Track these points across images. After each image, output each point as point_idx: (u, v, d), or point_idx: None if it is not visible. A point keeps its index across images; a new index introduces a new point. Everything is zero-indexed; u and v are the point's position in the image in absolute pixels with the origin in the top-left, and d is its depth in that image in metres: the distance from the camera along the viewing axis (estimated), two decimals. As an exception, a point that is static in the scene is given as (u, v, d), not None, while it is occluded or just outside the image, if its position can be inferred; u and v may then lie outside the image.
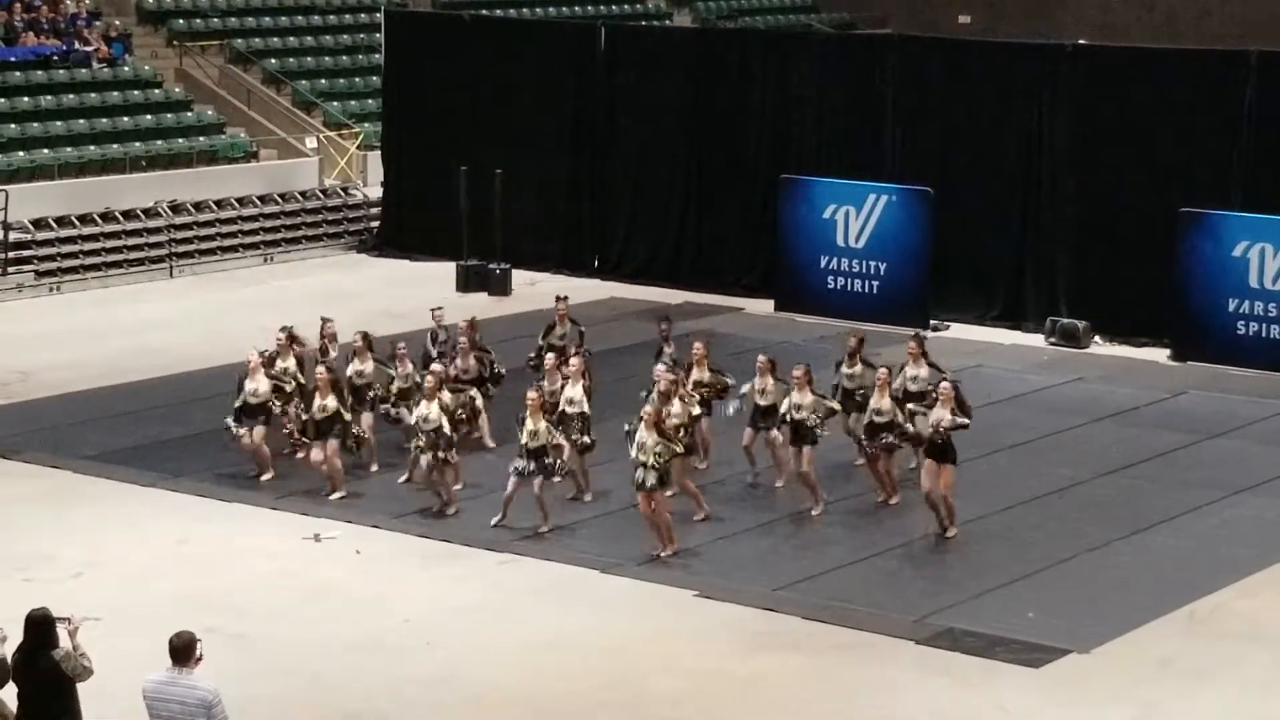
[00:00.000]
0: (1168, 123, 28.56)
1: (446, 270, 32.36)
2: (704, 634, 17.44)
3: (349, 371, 21.92)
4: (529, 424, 19.69)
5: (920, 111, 30.49)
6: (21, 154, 34.10)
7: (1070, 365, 27.49)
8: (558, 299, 24.21)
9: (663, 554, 19.19)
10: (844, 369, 21.84)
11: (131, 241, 33.05)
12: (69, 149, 34.75)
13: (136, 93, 37.20)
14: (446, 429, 20.16)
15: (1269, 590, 18.71)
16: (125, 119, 36.14)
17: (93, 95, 36.45)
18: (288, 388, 21.68)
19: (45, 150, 34.49)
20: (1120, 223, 28.92)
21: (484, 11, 42.57)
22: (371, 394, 21.87)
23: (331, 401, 20.82)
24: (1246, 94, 28.09)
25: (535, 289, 31.97)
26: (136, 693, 12.36)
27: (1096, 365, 27.52)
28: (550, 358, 21.85)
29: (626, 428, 19.57)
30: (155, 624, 15.32)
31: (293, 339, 22.39)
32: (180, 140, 36.23)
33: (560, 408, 20.58)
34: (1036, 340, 28.88)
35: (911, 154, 30.39)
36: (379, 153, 36.83)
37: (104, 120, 35.81)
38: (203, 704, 12.11)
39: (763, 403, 20.95)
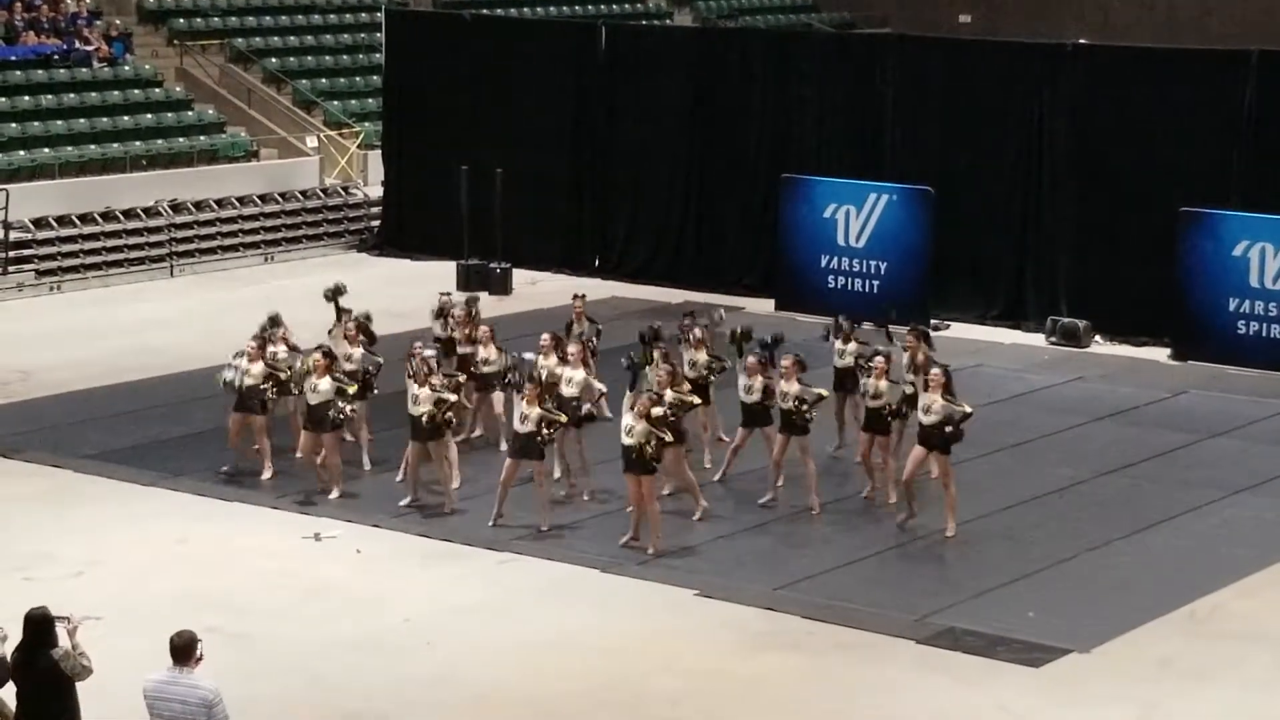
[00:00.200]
0: (1168, 122, 28.56)
1: (447, 269, 32.36)
2: (704, 633, 17.44)
3: (340, 353, 21.81)
4: (522, 408, 19.70)
5: (921, 111, 30.49)
6: (22, 153, 34.11)
7: (1071, 364, 27.49)
8: (575, 297, 24.22)
9: (649, 549, 19.20)
10: (838, 346, 21.94)
11: (132, 241, 33.05)
12: (69, 148, 34.75)
13: (137, 92, 37.20)
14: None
15: (1269, 590, 18.71)
16: (126, 118, 36.15)
17: (93, 94, 36.44)
18: (283, 375, 21.62)
19: (46, 149, 34.49)
20: (1121, 222, 28.91)
21: (484, 11, 42.56)
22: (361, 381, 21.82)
23: (326, 383, 20.79)
24: (1247, 93, 28.10)
25: (536, 288, 31.99)
26: (137, 692, 12.37)
27: (1097, 364, 27.52)
28: (546, 337, 21.77)
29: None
30: (155, 623, 15.33)
31: (275, 325, 22.26)
32: (181, 139, 36.24)
33: (560, 389, 20.58)
34: (1037, 340, 28.88)
35: (912, 153, 30.40)
36: (379, 152, 36.82)
37: (104, 119, 35.81)
38: (203, 703, 12.11)
39: (749, 400, 20.87)
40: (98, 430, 23.76)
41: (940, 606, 17.99)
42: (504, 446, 21.41)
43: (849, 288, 29.99)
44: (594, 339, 23.37)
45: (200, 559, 19.22)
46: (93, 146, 35.04)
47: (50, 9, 37.93)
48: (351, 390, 20.91)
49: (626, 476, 19.28)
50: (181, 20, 40.92)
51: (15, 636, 12.82)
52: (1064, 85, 29.39)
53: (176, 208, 33.71)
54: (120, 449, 22.92)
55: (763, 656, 16.92)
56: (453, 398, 20.61)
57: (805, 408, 20.23)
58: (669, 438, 19.25)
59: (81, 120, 35.53)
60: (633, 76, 33.28)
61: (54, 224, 32.31)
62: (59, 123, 35.22)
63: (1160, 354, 27.95)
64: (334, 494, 20.97)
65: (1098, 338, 28.66)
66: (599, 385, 21.40)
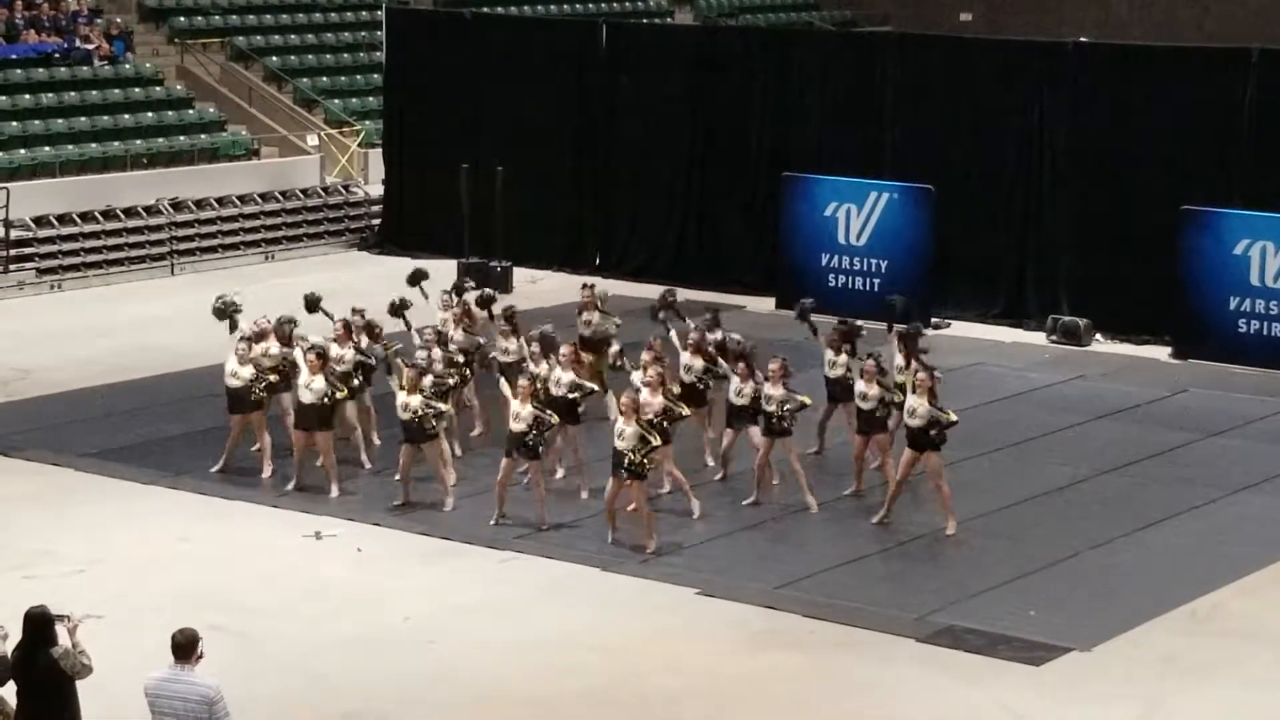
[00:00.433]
0: (1169, 120, 28.54)
1: (448, 268, 32.31)
2: (705, 632, 17.44)
3: (332, 354, 21.75)
4: (514, 406, 19.71)
5: (921, 109, 30.48)
6: (23, 151, 34.11)
7: (1071, 363, 27.49)
8: (584, 286, 24.29)
9: (647, 549, 19.22)
10: (829, 356, 21.95)
11: (133, 239, 33.05)
12: (70, 146, 34.76)
13: (138, 90, 37.20)
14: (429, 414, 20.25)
15: (1270, 588, 18.71)
16: (126, 116, 36.15)
17: (94, 93, 36.45)
18: (273, 377, 21.61)
19: (46, 148, 34.49)
20: (1121, 220, 28.90)
21: (485, 9, 42.54)
22: (357, 381, 21.83)
23: (319, 383, 20.80)
24: (1247, 91, 28.09)
25: (536, 286, 31.98)
26: (137, 690, 12.37)
27: (1098, 363, 27.52)
28: (536, 345, 21.78)
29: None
30: (156, 622, 15.35)
31: (262, 335, 22.20)
32: (181, 138, 36.24)
33: (549, 390, 20.57)
34: (1038, 338, 28.87)
35: (912, 152, 30.38)
36: (380, 150, 36.82)
37: (105, 118, 35.82)
38: (205, 701, 12.12)
39: (739, 402, 20.90)
40: (98, 429, 23.76)
41: (941, 605, 17.98)
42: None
43: (850, 286, 29.98)
44: (612, 332, 23.44)
45: (201, 557, 19.22)
46: (93, 145, 35.04)
47: (51, 7, 37.93)
48: (341, 395, 20.96)
49: (612, 479, 19.28)
50: (182, 18, 40.93)
51: (15, 635, 12.82)
52: (1065, 83, 29.37)
53: (177, 206, 33.71)
54: (121, 448, 22.92)
55: (763, 655, 16.91)
56: (444, 407, 20.66)
57: (786, 411, 20.31)
58: (657, 441, 19.29)
59: (82, 119, 35.53)
60: (634, 74, 33.27)
61: (55, 222, 32.31)
62: (60, 121, 35.23)
63: (1161, 352, 27.94)
64: (334, 492, 20.97)
65: (1098, 336, 28.65)
66: (589, 384, 21.24)
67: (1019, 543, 19.89)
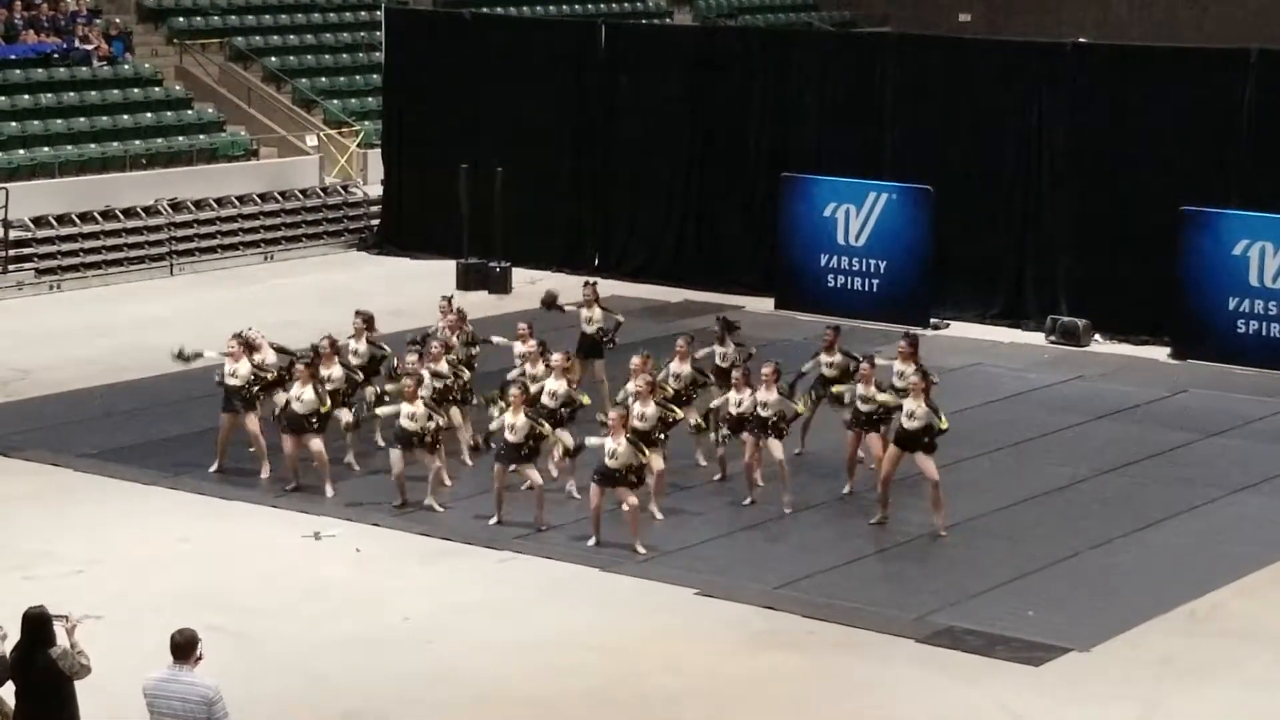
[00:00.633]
0: (1168, 121, 28.55)
1: (447, 268, 32.37)
2: (704, 632, 17.44)
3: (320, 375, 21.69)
4: (508, 417, 19.72)
5: (920, 110, 30.49)
6: (22, 152, 34.11)
7: (1070, 363, 27.49)
8: (585, 284, 24.25)
9: (640, 549, 19.23)
10: (823, 357, 21.96)
11: (132, 239, 33.04)
12: (69, 147, 34.75)
13: (137, 91, 37.20)
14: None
15: (1269, 589, 18.72)
16: (125, 117, 36.14)
17: (93, 93, 36.44)
18: (267, 377, 21.60)
19: (45, 148, 34.49)
20: (1120, 221, 28.90)
21: (484, 10, 42.53)
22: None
23: (309, 393, 20.81)
24: (1246, 92, 28.10)
25: (536, 287, 31.94)
26: (136, 691, 12.36)
27: (1097, 363, 27.52)
28: (531, 344, 21.74)
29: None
30: (155, 622, 15.35)
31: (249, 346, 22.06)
32: (180, 138, 36.24)
33: (541, 400, 20.55)
34: (1037, 338, 28.88)
35: (911, 152, 30.38)
36: (379, 151, 36.82)
37: (104, 118, 35.81)
38: (204, 701, 12.12)
39: (736, 411, 20.91)
40: (98, 429, 23.76)
41: (940, 605, 17.99)
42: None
43: (849, 286, 29.99)
44: (613, 332, 23.44)
45: (200, 558, 19.22)
46: (92, 145, 35.03)
47: (50, 7, 37.93)
48: (325, 409, 20.95)
49: (605, 489, 19.28)
50: (181, 19, 40.92)
51: (14, 635, 12.81)
52: (1063, 84, 29.38)
53: (176, 207, 33.70)
54: (120, 447, 22.92)
55: (763, 655, 16.92)
56: (441, 421, 20.66)
57: (781, 421, 20.37)
58: (648, 457, 19.33)
59: (81, 119, 35.53)
60: (633, 75, 33.27)
61: (54, 223, 32.31)
62: (59, 121, 35.22)
63: (1160, 353, 27.95)
64: (329, 492, 20.96)
65: (1097, 336, 28.66)
66: (582, 397, 21.19)
67: (1019, 543, 19.90)
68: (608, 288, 31.37)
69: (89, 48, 37.31)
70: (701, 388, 21.73)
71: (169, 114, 36.84)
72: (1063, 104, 29.34)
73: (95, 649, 12.87)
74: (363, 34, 42.12)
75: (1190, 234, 27.65)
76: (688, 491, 21.31)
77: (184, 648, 12.19)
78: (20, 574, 18.42)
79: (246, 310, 29.44)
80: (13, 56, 36.25)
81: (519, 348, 21.98)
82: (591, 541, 19.44)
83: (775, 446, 20.45)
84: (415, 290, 30.77)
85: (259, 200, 34.93)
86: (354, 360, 22.09)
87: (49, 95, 35.88)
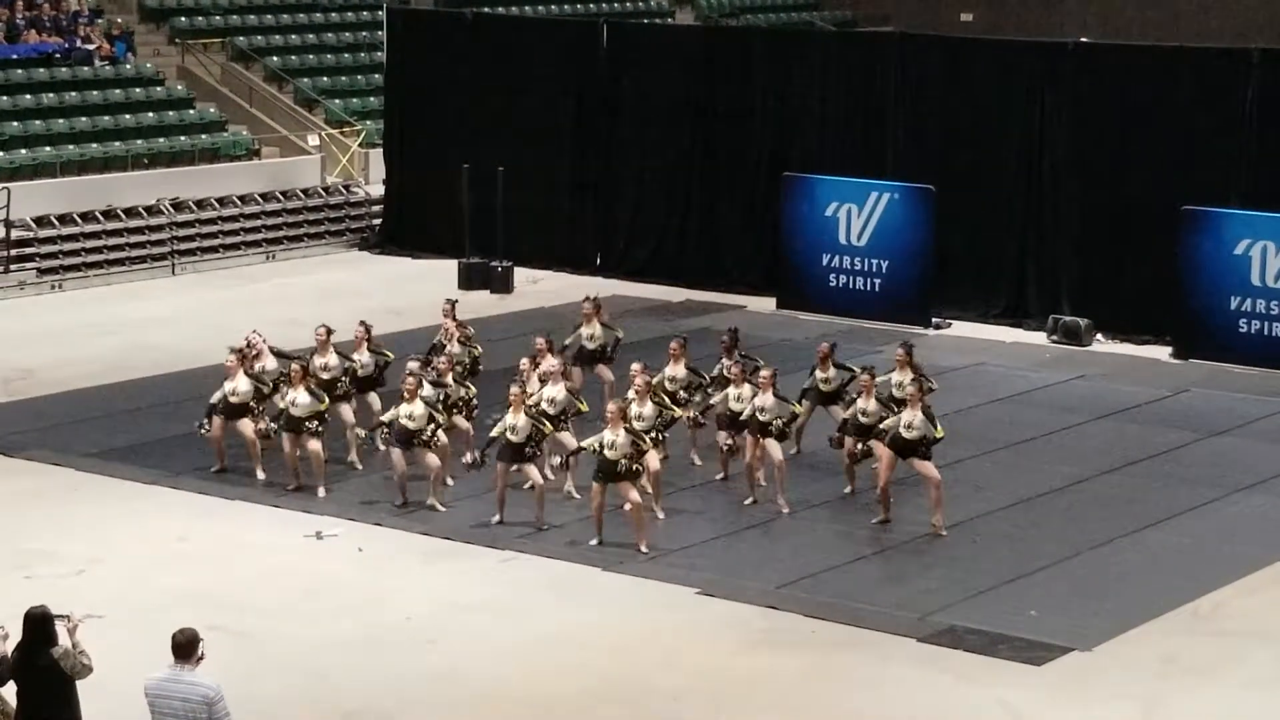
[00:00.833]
0: (1169, 120, 28.54)
1: (448, 267, 32.37)
2: (706, 631, 17.44)
3: (315, 364, 21.70)
4: (508, 419, 19.73)
5: (922, 109, 30.48)
6: (24, 151, 34.12)
7: (1072, 363, 27.48)
8: (586, 299, 23.78)
9: (643, 548, 19.24)
10: (818, 373, 21.96)
11: (134, 239, 33.04)
12: (71, 146, 34.77)
13: (138, 90, 37.21)
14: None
15: (1271, 588, 18.71)
16: (127, 116, 36.16)
17: (95, 93, 36.46)
18: (265, 389, 21.61)
19: (47, 148, 34.50)
20: (1122, 220, 28.90)
21: (486, 9, 42.54)
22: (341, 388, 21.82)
23: (304, 396, 20.81)
24: (1248, 91, 28.08)
25: (537, 286, 31.99)
26: (138, 690, 12.36)
27: (1098, 363, 27.51)
28: (524, 362, 21.66)
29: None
30: (156, 621, 15.35)
31: (243, 355, 21.90)
32: (182, 138, 36.25)
33: (540, 407, 20.51)
34: (1038, 338, 28.86)
35: (913, 152, 30.37)
36: (381, 150, 36.84)
37: (106, 118, 35.83)
38: (205, 701, 12.11)
39: (736, 408, 20.92)
40: (99, 428, 23.76)
41: (941, 605, 17.98)
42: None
43: (850, 286, 29.98)
44: (613, 348, 23.35)
45: (201, 557, 19.23)
46: (94, 145, 35.04)
47: (52, 7, 37.95)
48: (323, 407, 20.96)
49: (606, 486, 19.29)
50: (183, 19, 40.94)
51: (15, 635, 12.82)
52: (1065, 83, 29.37)
53: (178, 206, 33.71)
54: (121, 447, 22.92)
55: (764, 655, 16.92)
56: (441, 419, 20.64)
57: (781, 423, 20.43)
58: (647, 445, 19.33)
59: (83, 119, 35.54)
60: (634, 74, 33.27)
61: (56, 222, 32.31)
62: (61, 121, 35.24)
63: (1161, 352, 27.94)
64: (320, 492, 20.95)
65: (1099, 336, 28.64)
66: (581, 405, 21.15)
67: (1020, 542, 19.90)
68: (609, 287, 31.49)
69: (91, 47, 37.33)
70: (697, 389, 21.73)
71: (171, 114, 36.85)
72: (1064, 103, 29.33)
73: (96, 649, 12.88)
74: (364, 34, 42.13)
75: (1192, 233, 27.64)
76: (689, 491, 21.31)
77: (185, 647, 12.19)
78: (21, 573, 18.43)
79: (248, 310, 29.49)
80: (15, 56, 36.27)
81: (543, 366, 21.45)
82: (594, 541, 19.45)
83: (774, 448, 20.48)
84: (417, 290, 30.79)
85: (260, 200, 34.94)
86: (359, 371, 22.00)
87: (51, 95, 35.89)
